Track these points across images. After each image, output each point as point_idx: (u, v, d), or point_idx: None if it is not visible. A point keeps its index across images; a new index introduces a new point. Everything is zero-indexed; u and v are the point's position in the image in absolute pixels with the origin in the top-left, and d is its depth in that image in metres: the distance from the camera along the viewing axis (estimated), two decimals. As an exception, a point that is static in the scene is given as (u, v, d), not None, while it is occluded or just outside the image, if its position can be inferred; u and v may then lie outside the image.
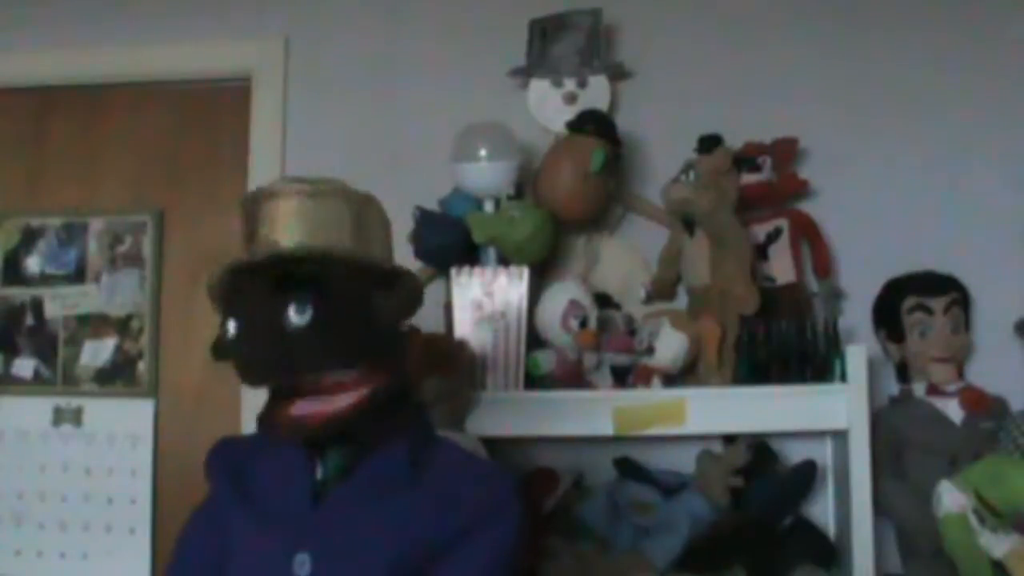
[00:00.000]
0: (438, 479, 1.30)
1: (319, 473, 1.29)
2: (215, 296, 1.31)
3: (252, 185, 2.36)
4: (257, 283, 1.24)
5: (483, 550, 1.28)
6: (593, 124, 2.10)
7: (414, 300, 1.34)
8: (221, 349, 1.27)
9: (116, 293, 2.41)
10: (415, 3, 2.40)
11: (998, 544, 1.64)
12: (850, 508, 1.90)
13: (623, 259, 2.22)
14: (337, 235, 1.26)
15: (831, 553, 1.96)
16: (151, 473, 2.32)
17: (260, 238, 1.26)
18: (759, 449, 1.99)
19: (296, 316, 1.21)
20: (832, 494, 2.07)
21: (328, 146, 2.35)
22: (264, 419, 1.25)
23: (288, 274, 1.23)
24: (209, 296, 1.32)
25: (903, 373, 2.11)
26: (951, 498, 1.70)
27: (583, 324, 2.01)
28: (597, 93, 2.23)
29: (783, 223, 2.16)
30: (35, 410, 2.38)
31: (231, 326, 1.24)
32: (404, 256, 1.81)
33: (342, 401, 1.24)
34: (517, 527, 1.31)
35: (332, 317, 1.23)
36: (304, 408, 1.23)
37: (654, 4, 2.34)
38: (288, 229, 1.25)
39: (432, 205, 2.14)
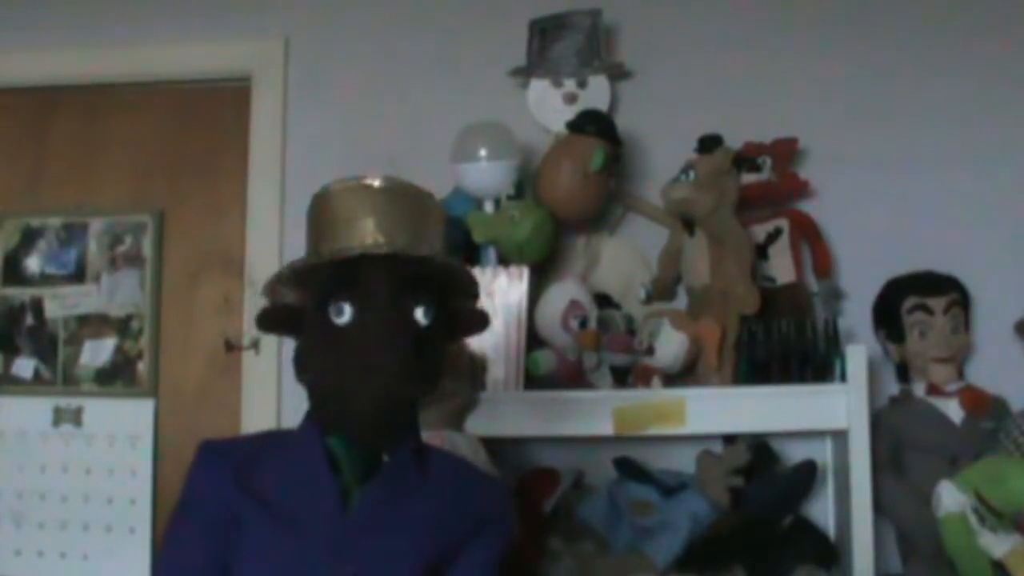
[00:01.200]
0: (441, 485, 1.31)
1: (337, 478, 1.27)
2: (290, 274, 1.29)
3: (252, 185, 2.37)
4: (375, 275, 1.23)
5: (482, 557, 1.31)
6: (593, 124, 2.10)
7: (485, 322, 1.38)
8: (274, 321, 1.30)
9: (116, 293, 2.41)
10: (415, 4, 2.40)
11: (998, 544, 1.64)
12: (850, 508, 1.90)
13: (623, 259, 2.22)
14: (431, 240, 1.30)
15: (831, 553, 1.96)
16: (151, 473, 2.32)
17: (365, 228, 1.25)
18: (759, 449, 1.99)
19: (423, 318, 1.24)
20: (832, 494, 2.07)
21: (328, 146, 2.35)
22: (339, 394, 1.25)
23: (414, 276, 1.25)
24: (286, 273, 1.29)
25: (903, 373, 2.11)
26: (951, 498, 1.70)
27: (583, 324, 2.01)
28: (597, 93, 2.23)
29: (783, 223, 2.16)
30: (35, 410, 2.38)
31: (346, 310, 1.23)
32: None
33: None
34: (511, 534, 1.36)
35: (444, 319, 1.28)
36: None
37: (654, 4, 2.34)
38: (396, 226, 1.26)
39: (432, 205, 2.14)
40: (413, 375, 1.23)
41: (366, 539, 1.25)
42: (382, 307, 1.22)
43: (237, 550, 1.26)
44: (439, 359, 1.30)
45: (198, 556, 1.27)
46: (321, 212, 1.31)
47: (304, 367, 1.30)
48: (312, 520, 1.25)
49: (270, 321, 1.33)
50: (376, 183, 1.29)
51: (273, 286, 1.31)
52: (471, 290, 1.36)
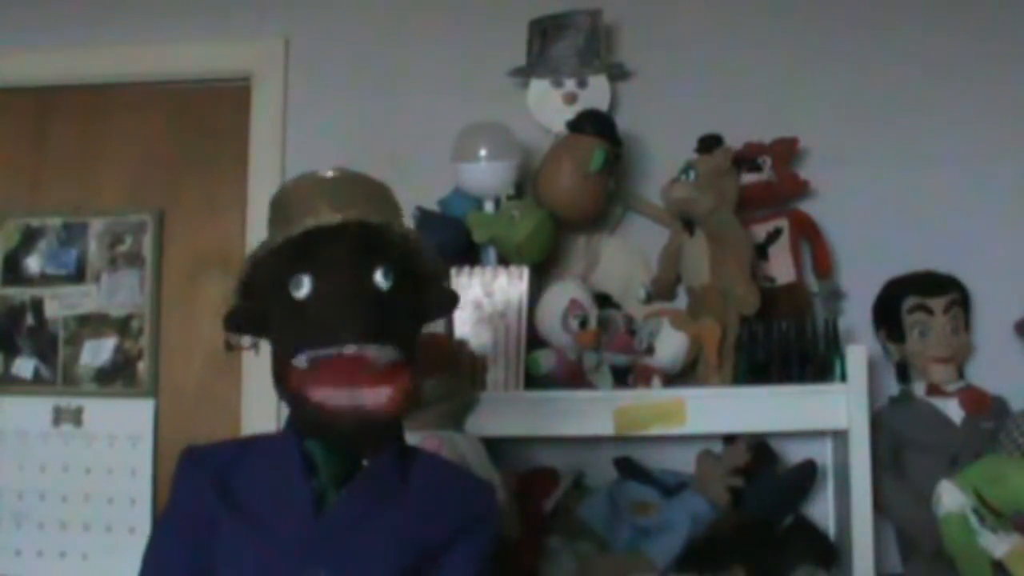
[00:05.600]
0: (422, 489, 1.30)
1: (314, 481, 1.26)
2: (249, 269, 1.29)
3: (252, 185, 2.37)
4: (331, 245, 1.23)
5: (466, 561, 1.30)
6: (593, 124, 2.10)
7: (454, 301, 1.37)
8: (243, 317, 1.29)
9: (116, 293, 2.41)
10: (415, 3, 2.40)
11: (998, 544, 1.64)
12: (850, 508, 1.90)
13: (623, 259, 2.22)
14: (389, 218, 1.30)
15: (831, 553, 1.96)
16: (151, 473, 2.32)
17: (320, 210, 1.25)
18: (759, 449, 1.99)
19: (383, 280, 1.24)
20: (832, 494, 2.07)
21: (328, 146, 2.34)
22: (310, 404, 1.22)
23: (371, 242, 1.25)
24: (246, 268, 1.29)
25: (903, 373, 2.11)
26: (951, 498, 1.69)
27: (583, 324, 2.01)
28: (597, 93, 2.23)
29: (783, 223, 2.16)
30: (35, 410, 2.38)
31: (304, 282, 1.23)
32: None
33: (385, 393, 1.22)
34: (494, 538, 1.35)
35: (408, 290, 1.27)
36: (359, 398, 1.21)
37: (654, 4, 2.34)
38: (355, 203, 1.27)
39: (432, 205, 2.14)
40: (387, 337, 1.22)
41: (338, 542, 1.24)
42: (341, 271, 1.22)
43: (213, 556, 1.25)
44: (408, 328, 1.28)
45: (175, 562, 1.28)
46: (277, 209, 1.32)
47: (279, 360, 1.27)
48: (284, 523, 1.24)
49: (237, 320, 1.31)
50: (329, 173, 1.31)
51: (237, 287, 1.30)
52: (437, 269, 1.35)
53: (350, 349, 1.20)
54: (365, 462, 1.28)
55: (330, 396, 1.21)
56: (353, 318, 1.20)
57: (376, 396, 1.21)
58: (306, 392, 1.22)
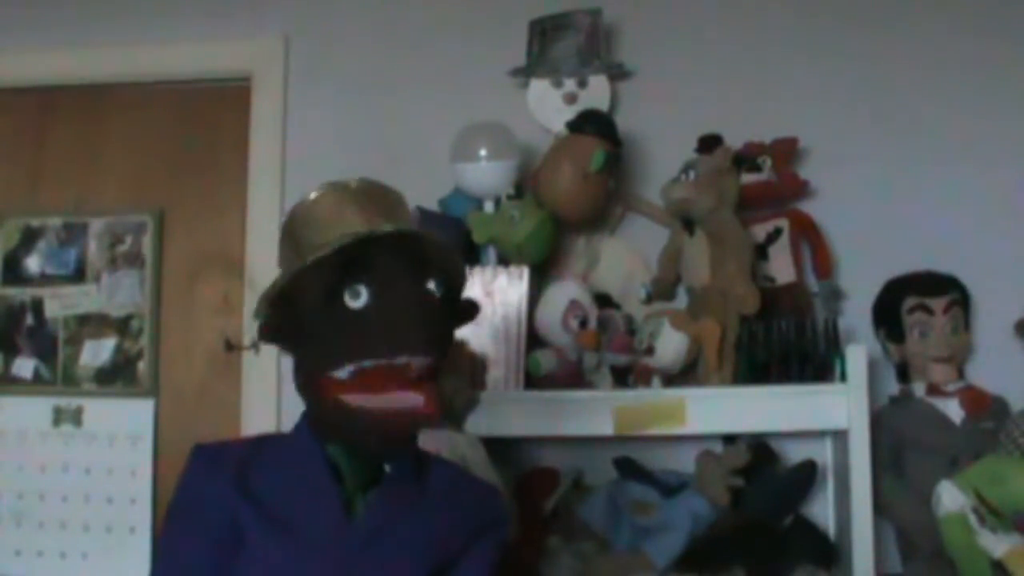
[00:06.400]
0: (439, 495, 1.31)
1: (339, 486, 1.26)
2: (287, 283, 1.26)
3: (252, 185, 2.37)
4: (386, 255, 1.23)
5: (478, 565, 1.31)
6: (593, 124, 2.10)
7: (476, 310, 1.37)
8: (281, 329, 1.27)
9: (116, 293, 2.41)
10: (415, 3, 2.41)
11: (998, 544, 1.64)
12: (850, 508, 1.90)
13: (623, 259, 2.22)
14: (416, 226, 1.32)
15: (831, 553, 1.96)
16: (151, 473, 2.32)
17: (349, 220, 1.24)
18: (759, 449, 1.99)
19: (436, 290, 1.25)
20: (832, 494, 2.07)
21: (328, 146, 2.35)
22: (349, 410, 1.22)
23: (423, 253, 1.25)
24: (282, 281, 1.26)
25: (903, 373, 2.11)
26: (951, 498, 1.70)
27: (583, 324, 2.02)
28: (597, 93, 2.23)
29: (783, 223, 2.16)
30: (35, 410, 2.38)
31: (362, 292, 1.22)
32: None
33: (423, 400, 1.21)
34: (504, 542, 1.36)
35: (449, 300, 1.28)
36: (401, 401, 1.21)
37: (654, 4, 2.34)
38: (391, 212, 1.28)
39: (432, 205, 2.14)
40: (438, 347, 1.24)
41: (370, 549, 1.24)
42: (401, 281, 1.22)
43: (236, 556, 1.24)
44: (450, 337, 1.31)
45: (198, 563, 1.25)
46: (300, 223, 1.29)
47: (313, 372, 1.26)
48: (315, 529, 1.24)
49: (274, 331, 1.28)
50: (352, 184, 1.31)
51: (263, 306, 1.28)
52: (463, 278, 1.36)
53: (403, 359, 1.20)
54: (387, 467, 1.28)
55: (370, 401, 1.21)
56: (417, 328, 1.21)
57: (416, 401, 1.21)
58: (345, 399, 1.22)
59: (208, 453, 1.30)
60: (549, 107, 2.23)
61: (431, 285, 1.24)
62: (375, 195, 1.31)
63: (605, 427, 1.92)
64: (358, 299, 1.21)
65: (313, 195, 1.30)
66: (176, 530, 1.28)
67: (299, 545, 1.23)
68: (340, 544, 1.24)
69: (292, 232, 1.30)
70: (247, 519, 1.24)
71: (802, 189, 2.17)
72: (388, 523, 1.26)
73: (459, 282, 1.34)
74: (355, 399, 1.21)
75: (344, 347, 1.22)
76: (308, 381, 1.27)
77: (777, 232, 2.16)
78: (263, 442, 1.37)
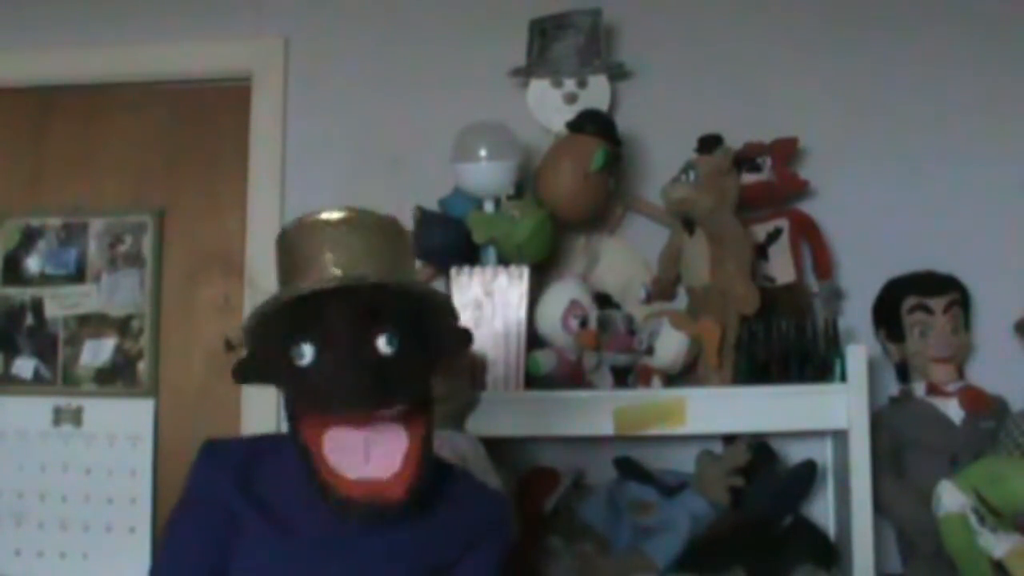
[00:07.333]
0: (440, 497, 1.31)
1: None
2: (255, 323, 1.26)
3: (252, 185, 2.37)
4: (333, 311, 1.21)
5: (480, 569, 1.32)
6: (593, 124, 2.10)
7: (467, 339, 1.34)
8: (250, 372, 1.29)
9: (116, 293, 2.41)
10: (415, 3, 2.40)
11: (998, 544, 1.64)
12: (850, 508, 1.90)
13: (623, 259, 2.22)
14: (396, 266, 1.27)
15: (831, 553, 1.96)
16: (151, 473, 2.32)
17: (323, 264, 1.23)
18: (759, 449, 1.99)
19: (386, 346, 1.21)
20: (832, 494, 2.07)
21: (328, 146, 2.35)
22: (327, 485, 1.21)
23: (374, 305, 1.22)
24: (251, 323, 1.26)
25: (903, 373, 2.11)
26: (951, 498, 1.70)
27: (583, 324, 2.02)
28: (597, 93, 2.23)
29: (783, 223, 2.16)
30: (35, 410, 2.38)
31: (306, 351, 1.21)
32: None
33: (398, 457, 1.22)
34: (507, 546, 1.36)
35: (417, 344, 1.24)
36: (371, 469, 1.21)
37: (654, 4, 2.34)
38: (355, 258, 1.24)
39: (432, 205, 2.14)
40: (383, 403, 1.21)
41: (369, 551, 1.25)
42: (341, 345, 1.20)
43: (233, 550, 1.26)
44: (417, 381, 1.27)
45: (196, 554, 1.27)
46: (283, 252, 1.29)
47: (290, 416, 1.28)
48: (314, 529, 1.25)
49: (247, 372, 1.31)
50: (334, 216, 1.27)
51: (247, 334, 1.29)
52: (447, 308, 1.33)
53: (355, 415, 1.21)
54: None
55: (343, 439, 1.22)
56: (354, 391, 1.19)
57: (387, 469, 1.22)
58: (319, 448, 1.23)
59: (214, 448, 1.33)
60: (549, 107, 2.23)
61: (381, 342, 1.21)
62: (352, 231, 1.26)
63: (605, 427, 1.92)
64: (303, 359, 1.21)
65: (292, 227, 1.29)
66: (178, 522, 1.31)
67: (297, 545, 1.24)
68: (338, 545, 1.24)
69: (278, 260, 1.31)
70: (246, 516, 1.25)
71: (802, 189, 2.17)
72: (387, 524, 1.26)
73: (436, 319, 1.30)
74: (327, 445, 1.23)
75: (300, 399, 1.25)
76: (288, 413, 1.29)
77: (777, 232, 2.16)
78: (269, 440, 1.39)
